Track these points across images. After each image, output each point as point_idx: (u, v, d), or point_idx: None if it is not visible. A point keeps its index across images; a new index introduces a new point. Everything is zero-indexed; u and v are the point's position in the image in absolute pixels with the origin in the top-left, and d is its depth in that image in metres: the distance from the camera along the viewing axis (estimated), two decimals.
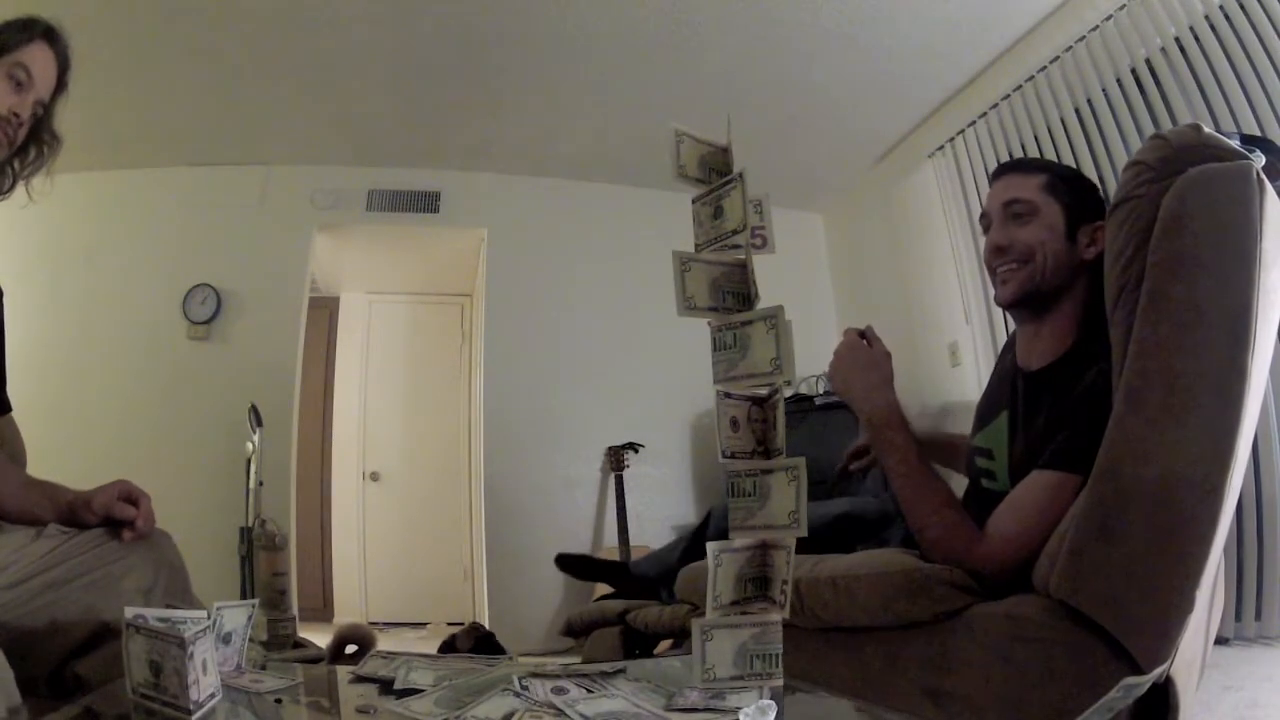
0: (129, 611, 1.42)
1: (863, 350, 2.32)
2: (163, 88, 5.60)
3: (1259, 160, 1.71)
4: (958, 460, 2.69)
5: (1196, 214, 1.67)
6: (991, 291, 2.36)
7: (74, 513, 1.95)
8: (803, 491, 1.32)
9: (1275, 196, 1.69)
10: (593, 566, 4.59)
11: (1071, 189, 2.24)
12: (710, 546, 1.35)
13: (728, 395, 1.39)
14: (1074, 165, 4.75)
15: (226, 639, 1.60)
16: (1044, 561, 1.81)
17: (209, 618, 1.52)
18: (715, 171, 1.49)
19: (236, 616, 1.63)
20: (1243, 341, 1.63)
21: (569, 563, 4.33)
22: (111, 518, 1.94)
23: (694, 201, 1.48)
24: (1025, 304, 2.24)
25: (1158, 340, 1.67)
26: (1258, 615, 3.79)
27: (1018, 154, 5.24)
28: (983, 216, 2.36)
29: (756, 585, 1.40)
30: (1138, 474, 1.67)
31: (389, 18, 5.05)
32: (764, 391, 1.40)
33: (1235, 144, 1.77)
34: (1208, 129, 1.78)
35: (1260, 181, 1.66)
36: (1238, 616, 3.80)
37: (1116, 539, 1.68)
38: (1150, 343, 1.68)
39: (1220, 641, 3.67)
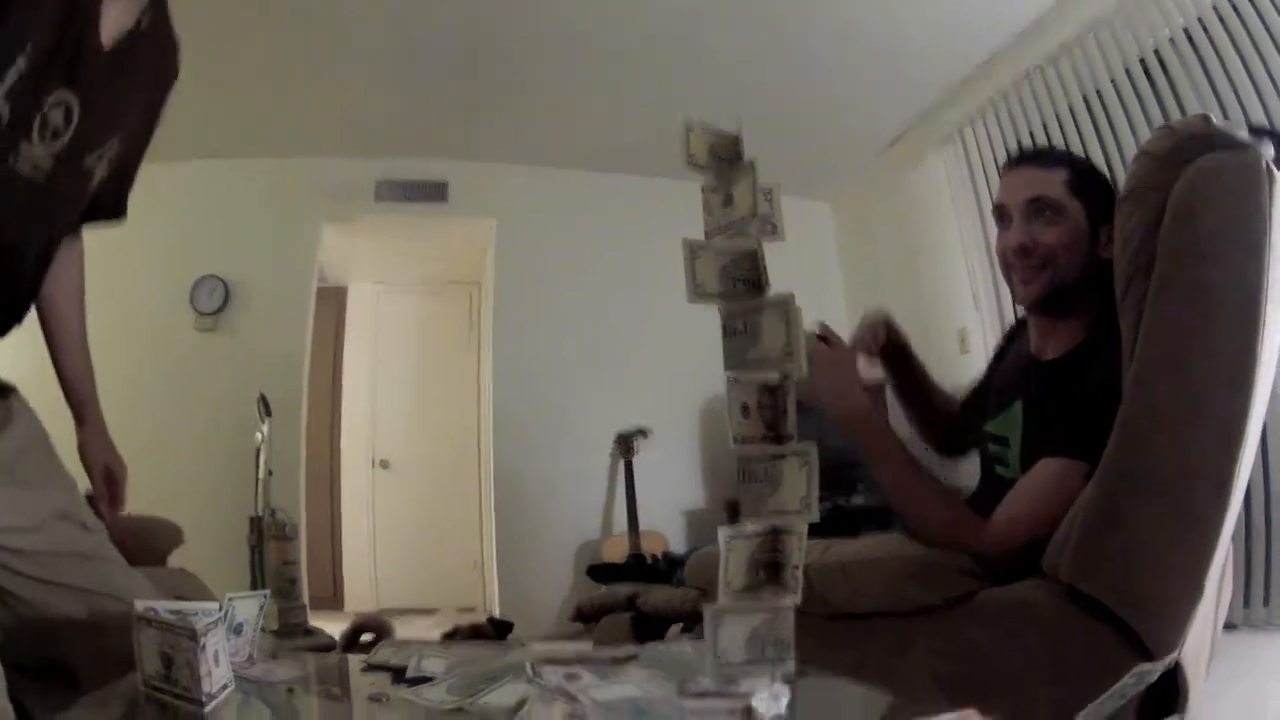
0: (140, 604, 1.42)
1: (822, 352, 2.19)
2: None
3: (1268, 150, 1.71)
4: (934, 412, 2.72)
5: (1207, 203, 1.67)
6: (1000, 279, 2.32)
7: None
8: (814, 477, 1.33)
9: None
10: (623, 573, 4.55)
11: (1092, 186, 2.18)
12: (721, 532, 1.36)
13: (738, 381, 1.39)
14: (1083, 153, 4.75)
15: (238, 630, 1.61)
16: (1054, 547, 1.81)
17: (220, 609, 1.52)
18: (725, 160, 1.49)
19: (248, 608, 1.63)
20: (1253, 330, 1.63)
21: (603, 573, 4.30)
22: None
23: (704, 189, 1.48)
24: (1048, 306, 2.20)
25: (1167, 329, 1.68)
26: (1266, 601, 3.79)
27: (1026, 142, 5.23)
28: (998, 209, 2.27)
29: (768, 571, 1.40)
30: (1148, 461, 1.68)
31: (398, 7, 5.05)
32: (775, 378, 1.40)
33: (1244, 134, 1.76)
34: (1216, 119, 1.78)
35: (1270, 171, 1.66)
36: (1246, 603, 3.79)
37: (1126, 526, 1.68)
38: (1160, 331, 1.68)
39: (1228, 628, 3.67)
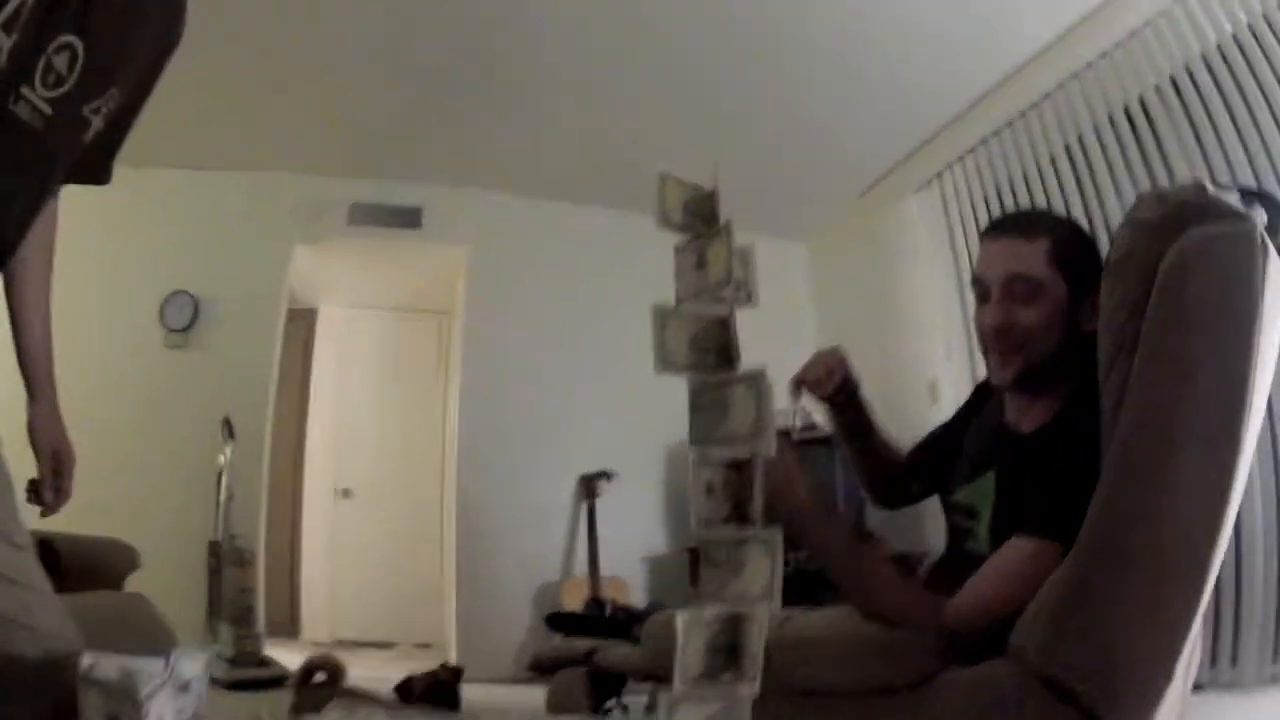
0: (85, 660, 1.37)
1: None
2: None
3: (1260, 217, 1.68)
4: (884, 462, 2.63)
5: (1197, 278, 1.64)
6: (973, 331, 2.24)
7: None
8: (778, 564, 1.28)
9: (1277, 258, 1.65)
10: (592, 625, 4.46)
11: (1076, 257, 2.06)
12: (679, 616, 1.30)
13: (704, 458, 1.34)
14: (1063, 204, 4.73)
15: (184, 687, 1.55)
16: (1023, 625, 1.76)
17: (166, 668, 1.46)
18: (700, 218, 1.44)
19: (194, 665, 1.57)
20: (1239, 408, 1.60)
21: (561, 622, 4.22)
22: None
23: (676, 251, 1.43)
24: (1024, 384, 2.10)
25: (1153, 405, 1.65)
26: (1233, 660, 3.76)
27: (1005, 191, 5.22)
28: (977, 282, 2.17)
29: (727, 654, 1.35)
30: (1125, 541, 1.65)
31: (378, 30, 5.03)
32: (744, 455, 1.35)
33: (1235, 199, 1.73)
34: (1210, 186, 1.74)
35: (1263, 244, 1.63)
36: (1213, 661, 3.76)
37: (1100, 603, 1.66)
38: (1145, 407, 1.65)
39: (1196, 688, 3.64)
